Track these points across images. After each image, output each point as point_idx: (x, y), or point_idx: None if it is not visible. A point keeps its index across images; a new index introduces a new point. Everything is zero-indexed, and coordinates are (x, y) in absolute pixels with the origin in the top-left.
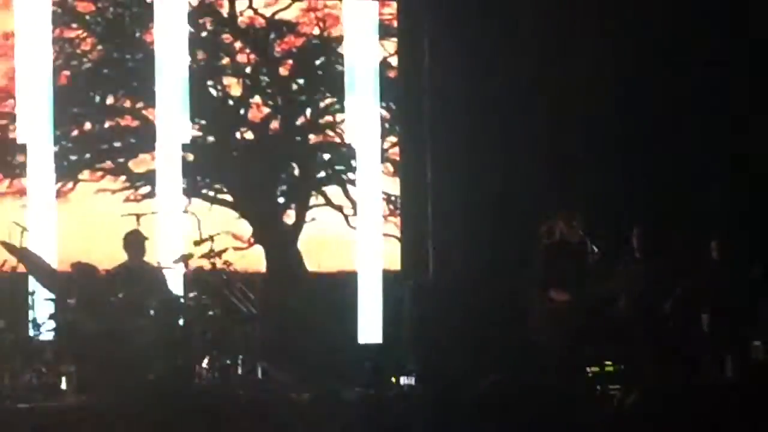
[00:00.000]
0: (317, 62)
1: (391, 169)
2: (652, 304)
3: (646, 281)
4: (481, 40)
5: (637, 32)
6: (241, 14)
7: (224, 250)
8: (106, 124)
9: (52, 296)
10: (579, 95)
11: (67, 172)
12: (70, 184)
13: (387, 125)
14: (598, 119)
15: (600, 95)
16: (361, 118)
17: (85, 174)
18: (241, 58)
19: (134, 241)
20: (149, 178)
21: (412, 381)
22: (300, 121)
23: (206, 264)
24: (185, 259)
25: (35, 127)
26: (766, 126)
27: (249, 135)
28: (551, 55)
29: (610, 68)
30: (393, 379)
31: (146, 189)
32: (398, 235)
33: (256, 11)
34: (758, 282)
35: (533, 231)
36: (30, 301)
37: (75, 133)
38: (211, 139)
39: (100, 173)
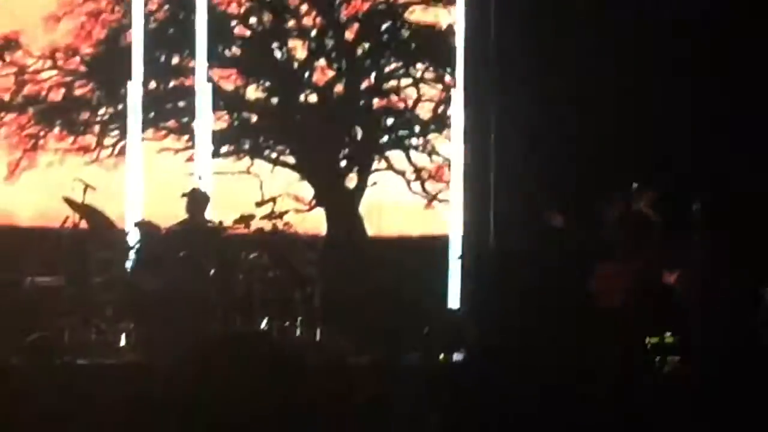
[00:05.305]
0: (383, 27)
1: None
2: (712, 277)
3: (706, 254)
4: (547, 6)
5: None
6: None
7: (285, 212)
8: (171, 84)
9: (114, 253)
10: (647, 64)
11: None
12: None
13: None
14: (664, 89)
15: (669, 65)
16: (425, 84)
17: (148, 133)
18: (307, 21)
19: (195, 200)
20: (213, 138)
21: (462, 356)
22: (364, 85)
23: (267, 225)
24: (246, 219)
25: (100, 86)
26: None
27: (313, 98)
28: (619, 25)
29: (678, 39)
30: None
31: (209, 149)
32: (461, 201)
33: None
34: None
35: (596, 200)
36: (92, 258)
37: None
38: (274, 101)
39: (163, 132)
